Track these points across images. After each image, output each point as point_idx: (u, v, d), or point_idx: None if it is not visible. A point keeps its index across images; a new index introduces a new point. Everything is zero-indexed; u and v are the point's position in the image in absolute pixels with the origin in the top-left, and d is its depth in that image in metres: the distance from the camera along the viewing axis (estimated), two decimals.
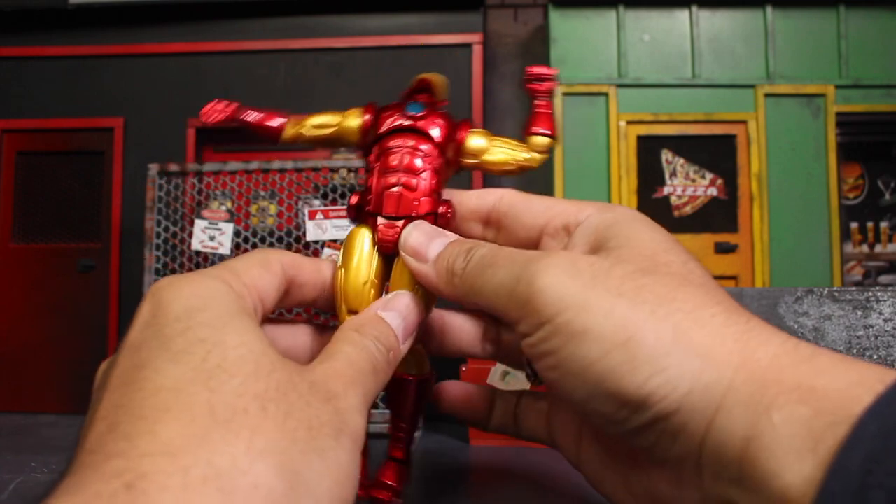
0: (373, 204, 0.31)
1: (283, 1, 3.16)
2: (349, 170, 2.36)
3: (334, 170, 2.34)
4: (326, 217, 2.21)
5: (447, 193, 0.32)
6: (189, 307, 0.23)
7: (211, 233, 2.25)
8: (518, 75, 3.41)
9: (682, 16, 2.99)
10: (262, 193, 2.47)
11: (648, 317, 0.23)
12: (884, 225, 3.10)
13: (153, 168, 2.36)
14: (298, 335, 0.31)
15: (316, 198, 2.35)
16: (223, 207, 2.32)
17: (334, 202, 2.31)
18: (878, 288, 0.97)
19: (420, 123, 0.32)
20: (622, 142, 2.92)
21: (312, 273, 0.30)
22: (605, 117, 2.93)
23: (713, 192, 2.97)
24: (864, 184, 3.12)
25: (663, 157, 2.98)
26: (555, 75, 0.33)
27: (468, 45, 3.14)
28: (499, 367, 1.35)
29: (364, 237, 0.31)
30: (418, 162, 0.31)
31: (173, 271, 2.32)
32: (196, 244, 2.24)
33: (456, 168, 0.34)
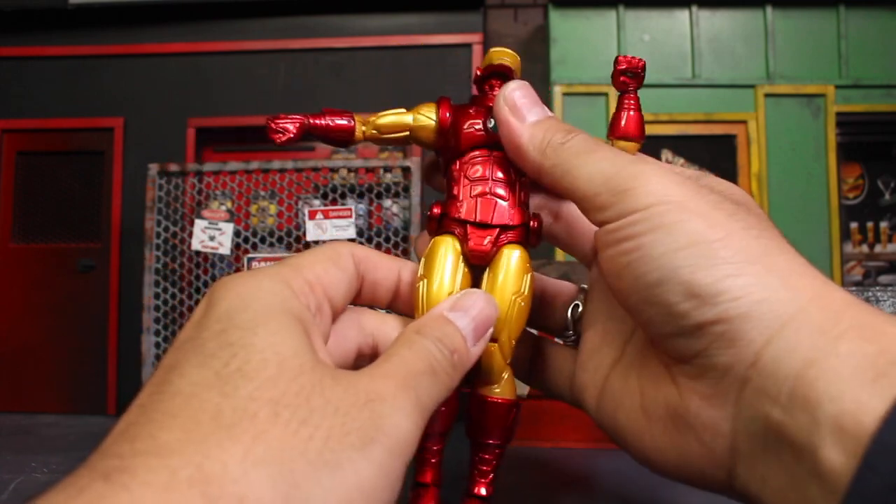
0: (465, 211, 0.29)
1: (283, 1, 3.16)
2: (349, 170, 2.36)
3: (334, 170, 2.34)
4: (326, 217, 2.21)
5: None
6: (230, 308, 0.22)
7: (211, 233, 2.25)
8: (518, 75, 3.40)
9: (682, 16, 2.99)
10: (262, 193, 2.46)
11: (741, 230, 0.24)
12: (884, 225, 3.10)
13: (153, 168, 2.36)
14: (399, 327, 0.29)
15: (316, 198, 2.35)
16: (223, 207, 2.32)
17: (334, 202, 2.31)
18: (878, 288, 0.97)
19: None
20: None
21: (387, 271, 0.28)
22: (605, 117, 2.93)
23: None
24: (864, 184, 3.12)
25: (663, 157, 2.98)
26: (644, 68, 0.32)
27: (468, 45, 3.14)
28: None
29: (449, 246, 0.29)
30: (507, 174, 0.30)
31: (173, 271, 2.32)
32: (196, 244, 2.24)
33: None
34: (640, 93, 0.33)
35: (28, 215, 3.27)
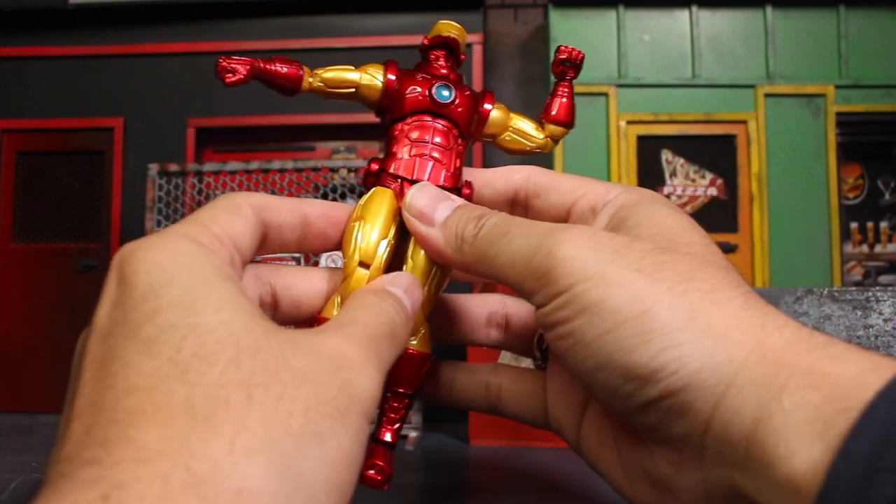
0: (402, 168, 0.31)
1: (283, 1, 3.16)
2: (349, 170, 2.36)
3: (334, 170, 2.35)
4: None
5: (469, 173, 0.32)
6: (154, 282, 0.20)
7: None
8: (518, 75, 3.42)
9: (682, 16, 2.99)
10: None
11: (665, 293, 0.23)
12: (884, 225, 3.10)
13: (153, 168, 2.36)
14: (313, 280, 0.29)
15: (316, 197, 2.35)
16: None
17: (334, 202, 2.31)
18: (878, 288, 0.97)
19: (449, 111, 0.32)
20: (622, 142, 2.92)
21: (289, 212, 0.28)
22: (605, 117, 2.93)
23: (713, 192, 2.97)
24: (864, 184, 3.12)
25: (663, 157, 2.98)
26: (582, 60, 0.34)
27: (468, 45, 3.14)
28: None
29: (388, 196, 0.30)
30: (446, 140, 0.31)
31: None
32: None
33: (473, 141, 0.34)
34: (639, 92, 0.33)
35: (28, 215, 3.27)
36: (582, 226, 0.26)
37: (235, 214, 0.25)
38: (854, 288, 0.92)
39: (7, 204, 3.26)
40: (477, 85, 3.11)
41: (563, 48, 0.33)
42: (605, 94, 2.92)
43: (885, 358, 0.20)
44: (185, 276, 0.21)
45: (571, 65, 0.34)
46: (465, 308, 0.33)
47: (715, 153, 2.96)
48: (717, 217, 2.94)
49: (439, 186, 0.30)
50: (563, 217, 0.30)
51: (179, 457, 0.17)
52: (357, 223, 0.29)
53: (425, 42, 0.34)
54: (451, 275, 0.31)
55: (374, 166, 0.31)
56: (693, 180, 2.98)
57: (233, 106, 3.15)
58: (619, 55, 2.96)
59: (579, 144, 2.91)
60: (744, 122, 2.93)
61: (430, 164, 0.31)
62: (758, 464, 0.20)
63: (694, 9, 2.97)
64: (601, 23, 2.98)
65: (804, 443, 0.19)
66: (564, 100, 0.35)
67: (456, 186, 0.31)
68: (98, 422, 0.18)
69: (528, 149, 0.34)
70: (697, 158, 2.97)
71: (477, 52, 3.13)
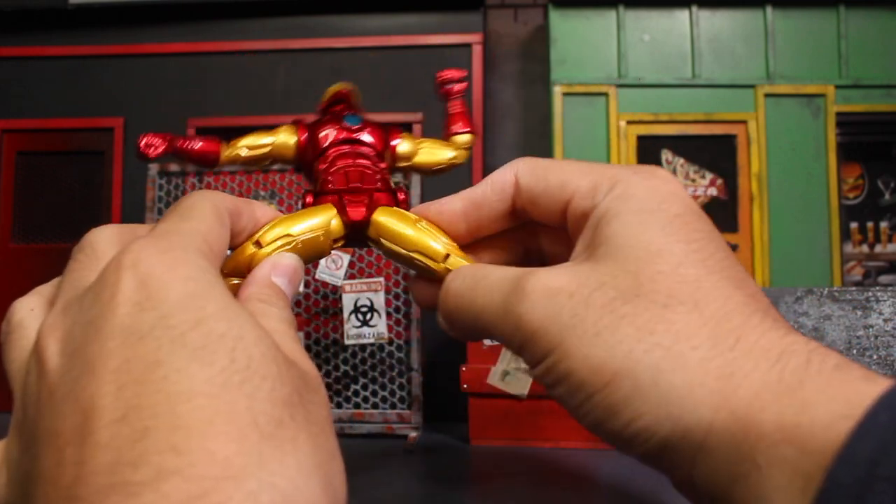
0: (336, 181, 0.32)
1: (283, 1, 3.16)
2: None
3: None
4: None
5: (460, 196, 0.31)
6: (189, 293, 0.20)
7: None
8: (518, 75, 3.42)
9: (682, 16, 2.99)
10: (262, 193, 2.47)
11: (625, 359, 0.22)
12: (884, 225, 3.10)
13: (153, 168, 2.36)
14: None
15: None
16: None
17: None
18: (878, 288, 0.97)
19: (361, 135, 0.34)
20: (622, 142, 2.92)
21: (250, 221, 0.28)
22: (605, 117, 2.93)
23: (713, 192, 2.97)
24: (864, 184, 3.12)
25: (663, 157, 2.98)
26: (465, 77, 0.36)
27: (468, 45, 3.14)
28: (499, 367, 1.35)
29: (327, 211, 0.31)
30: (369, 158, 0.33)
31: None
32: None
33: (391, 169, 0.36)
34: (639, 92, 0.34)
35: (28, 215, 3.27)
36: (542, 282, 0.25)
37: (221, 224, 0.25)
38: (854, 288, 0.92)
39: (7, 204, 3.26)
40: (477, 85, 3.11)
41: (439, 75, 0.37)
42: (605, 94, 2.92)
43: (856, 396, 0.20)
44: (213, 290, 0.21)
45: (452, 83, 0.37)
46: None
47: (715, 153, 2.96)
48: (717, 217, 2.94)
49: (373, 189, 0.31)
50: (562, 219, 0.27)
51: (263, 473, 0.17)
52: (280, 217, 0.30)
53: (321, 106, 0.36)
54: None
55: (309, 199, 0.32)
56: (693, 180, 2.98)
57: (233, 106, 3.15)
58: (619, 55, 2.96)
59: (579, 144, 2.91)
60: (744, 122, 2.92)
61: (361, 169, 0.32)
62: None
63: (694, 9, 2.97)
64: (601, 23, 2.98)
65: (787, 498, 0.19)
66: (458, 111, 0.37)
67: (390, 188, 0.32)
68: (156, 426, 0.18)
69: (444, 166, 0.38)
70: (697, 158, 2.97)
71: (477, 52, 3.13)
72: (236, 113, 3.14)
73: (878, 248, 3.09)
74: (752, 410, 0.20)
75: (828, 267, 2.86)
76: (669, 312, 0.23)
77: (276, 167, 2.33)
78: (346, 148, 0.33)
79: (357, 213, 0.31)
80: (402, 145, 0.35)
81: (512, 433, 2.29)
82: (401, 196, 0.32)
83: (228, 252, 0.27)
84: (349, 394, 2.53)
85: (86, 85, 3.24)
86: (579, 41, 2.97)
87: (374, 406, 2.50)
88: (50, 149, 3.27)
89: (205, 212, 0.25)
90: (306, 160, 0.35)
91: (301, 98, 3.08)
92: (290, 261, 0.28)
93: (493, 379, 2.29)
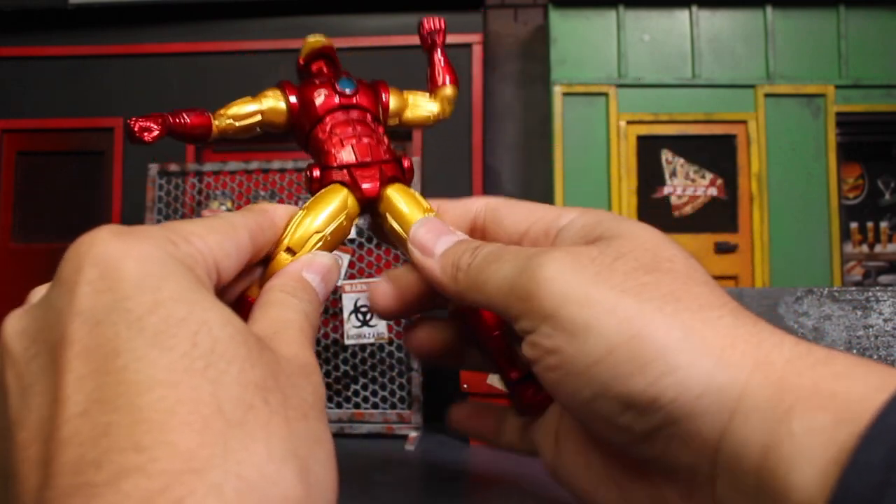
0: (345, 156, 0.31)
1: (283, 1, 3.16)
2: None
3: None
4: None
5: (433, 203, 0.32)
6: (147, 273, 0.19)
7: None
8: (518, 75, 3.42)
9: (682, 16, 2.99)
10: (262, 193, 2.47)
11: (655, 313, 0.21)
12: (884, 225, 3.10)
13: (153, 168, 2.36)
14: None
15: None
16: (223, 207, 2.32)
17: None
18: (878, 288, 0.97)
19: (357, 99, 0.33)
20: (622, 142, 2.92)
21: (271, 231, 0.28)
22: (605, 117, 2.93)
23: (713, 192, 2.97)
24: (864, 184, 3.12)
25: (663, 157, 2.98)
26: (445, 24, 0.35)
27: (468, 45, 3.14)
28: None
29: (340, 193, 0.31)
30: (368, 125, 0.32)
31: None
32: None
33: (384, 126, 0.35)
34: (639, 92, 0.34)
35: (28, 215, 3.27)
36: (566, 247, 0.25)
37: (226, 237, 0.24)
38: (854, 288, 0.92)
39: (7, 204, 3.26)
40: (477, 85, 3.11)
41: (423, 22, 0.35)
42: (605, 94, 2.92)
43: (887, 370, 0.19)
44: (177, 272, 0.20)
45: (436, 32, 0.35)
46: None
47: (715, 153, 2.96)
48: (717, 217, 2.94)
49: (381, 161, 0.31)
50: (518, 242, 0.29)
51: (228, 464, 0.17)
52: (301, 212, 0.30)
53: (301, 62, 0.35)
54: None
55: (316, 172, 0.32)
56: (693, 180, 2.98)
57: None
58: (619, 55, 2.96)
59: (579, 144, 2.91)
60: (744, 122, 2.92)
61: (367, 141, 0.32)
62: (772, 493, 0.19)
63: (694, 9, 2.97)
64: (601, 23, 2.98)
65: (819, 469, 0.18)
66: (442, 63, 0.36)
67: (396, 157, 0.32)
68: (118, 421, 0.17)
69: (430, 119, 0.36)
70: (697, 158, 2.97)
71: (477, 52, 3.13)
72: None
73: (878, 248, 3.09)
74: (787, 374, 0.20)
75: (828, 267, 2.86)
76: (692, 285, 0.23)
77: (275, 166, 2.32)
78: (341, 116, 0.32)
79: (372, 189, 0.31)
80: (392, 101, 0.35)
81: None
82: (406, 164, 0.32)
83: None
84: (349, 394, 2.53)
85: (86, 85, 3.24)
86: (579, 41, 2.97)
87: (374, 406, 2.50)
88: (50, 149, 3.27)
89: (209, 221, 0.24)
90: (300, 127, 0.33)
91: None
92: (325, 259, 0.28)
93: (493, 379, 2.29)
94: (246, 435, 0.17)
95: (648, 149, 2.96)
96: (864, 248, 3.09)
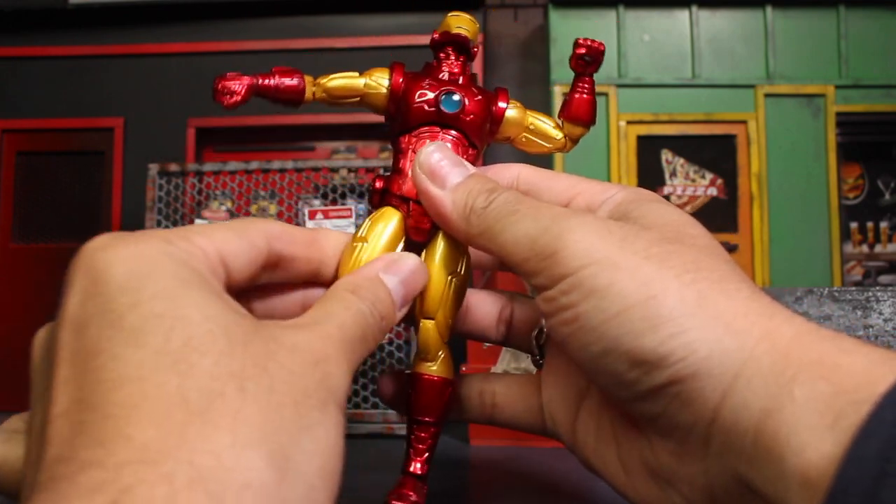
0: (406, 188, 0.30)
1: (283, 1, 3.16)
2: (349, 170, 2.36)
3: (334, 170, 2.34)
4: (326, 217, 2.21)
5: None
6: (132, 274, 0.20)
7: None
8: (518, 75, 3.41)
9: (682, 16, 2.99)
10: (262, 193, 2.46)
11: (673, 279, 0.23)
12: (884, 225, 3.10)
13: (153, 168, 2.35)
14: (292, 296, 0.29)
15: (316, 198, 2.34)
16: (223, 207, 2.32)
17: (334, 202, 2.31)
18: (878, 288, 0.97)
19: (458, 121, 0.30)
20: (622, 142, 2.92)
21: (305, 246, 0.28)
22: (605, 117, 2.93)
23: (713, 192, 2.97)
24: (864, 184, 3.12)
25: (663, 157, 2.98)
26: (604, 52, 0.32)
27: None
28: (499, 367, 1.36)
29: (394, 217, 0.30)
30: (456, 152, 0.30)
31: None
32: None
33: (487, 144, 0.32)
34: (639, 92, 0.33)
35: (28, 215, 3.26)
36: (593, 214, 0.26)
37: (236, 235, 0.24)
38: (854, 288, 0.92)
39: (7, 204, 3.26)
40: None
41: (580, 41, 0.32)
42: (605, 94, 2.91)
43: (891, 352, 0.20)
44: (164, 270, 0.20)
45: (592, 59, 0.32)
46: (477, 303, 0.33)
47: (715, 153, 2.96)
48: (717, 217, 2.94)
49: None
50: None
51: (181, 453, 0.17)
52: (358, 244, 0.29)
53: (434, 37, 0.33)
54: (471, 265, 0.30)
55: (379, 184, 0.30)
56: (693, 180, 2.98)
57: None
58: (619, 55, 2.95)
59: (579, 144, 2.90)
60: (744, 122, 2.92)
61: None
62: (767, 455, 0.20)
63: (694, 9, 2.97)
64: (601, 23, 2.98)
65: (816, 435, 0.19)
66: (585, 96, 0.33)
67: None
68: (90, 419, 0.17)
69: (546, 150, 0.33)
70: (697, 158, 2.97)
71: (477, 52, 3.13)
72: (237, 113, 3.13)
73: (878, 248, 3.09)
74: (793, 346, 0.21)
75: (828, 267, 2.86)
76: (714, 260, 0.24)
77: (275, 166, 2.32)
78: (434, 132, 0.30)
79: (419, 234, 0.29)
80: (508, 119, 0.32)
81: (512, 433, 2.28)
82: None
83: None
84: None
85: (86, 85, 3.24)
86: None
87: (374, 406, 2.50)
88: (50, 149, 3.27)
89: (223, 223, 0.24)
90: (392, 120, 0.32)
91: None
92: (409, 261, 0.27)
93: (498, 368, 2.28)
94: (206, 423, 0.17)
95: (648, 149, 2.96)
96: (864, 248, 3.09)
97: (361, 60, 3.54)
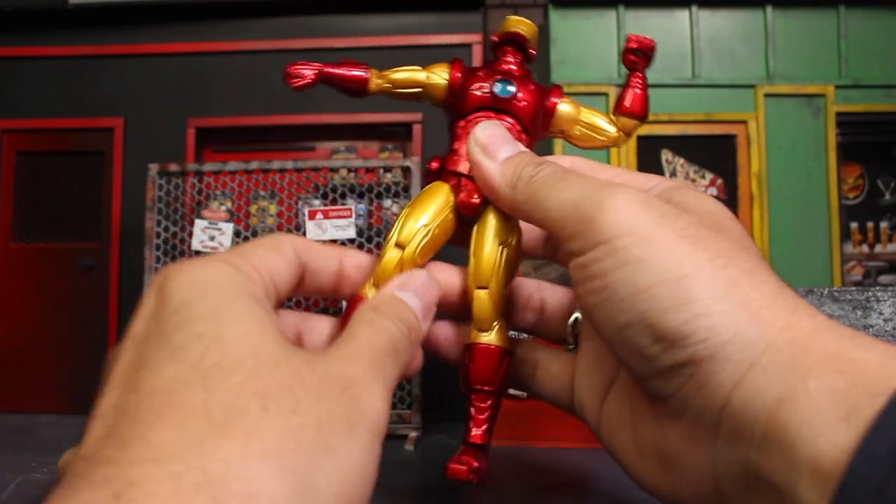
0: (462, 165, 0.30)
1: (283, 1, 3.16)
2: (349, 170, 2.36)
3: (334, 170, 2.34)
4: (326, 217, 2.21)
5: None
6: (187, 298, 0.21)
7: (211, 233, 2.25)
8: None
9: (682, 16, 2.99)
10: (262, 193, 2.46)
11: (706, 262, 0.23)
12: (884, 225, 3.10)
13: (153, 168, 2.36)
14: (325, 323, 0.30)
15: (316, 198, 2.35)
16: (223, 207, 2.32)
17: (334, 202, 2.31)
18: (878, 288, 0.97)
19: (511, 106, 0.31)
20: None
21: (327, 259, 0.29)
22: None
23: (713, 192, 2.97)
24: (864, 184, 3.12)
25: (663, 158, 2.98)
26: (654, 48, 0.32)
27: (468, 45, 3.14)
28: None
29: (444, 190, 0.30)
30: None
31: None
32: (196, 244, 2.24)
33: (541, 137, 0.33)
34: None
35: (28, 215, 3.26)
36: (636, 188, 0.26)
37: (275, 252, 0.26)
38: (854, 288, 0.92)
39: (7, 204, 3.26)
40: None
41: (632, 37, 0.33)
42: (605, 95, 2.91)
43: None
44: (215, 291, 0.22)
45: (642, 54, 0.33)
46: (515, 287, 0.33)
47: (715, 153, 2.96)
48: None
49: None
50: None
51: (193, 458, 0.17)
52: (406, 210, 0.30)
53: (494, 39, 0.35)
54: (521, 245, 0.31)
55: (434, 165, 0.31)
56: (693, 180, 2.98)
57: (233, 106, 3.15)
58: (619, 55, 2.95)
59: None
60: (744, 122, 2.92)
61: None
62: (778, 443, 0.20)
63: (694, 9, 2.97)
64: (601, 23, 2.98)
65: (829, 426, 0.19)
66: (638, 91, 0.34)
67: None
68: (120, 423, 0.19)
69: (599, 144, 0.34)
70: (697, 158, 2.97)
71: (477, 52, 3.13)
72: (237, 113, 3.14)
73: (878, 248, 3.09)
74: (812, 340, 0.21)
75: (828, 267, 2.86)
76: (747, 251, 0.25)
77: (275, 166, 2.32)
78: (489, 116, 0.31)
79: (468, 209, 0.30)
80: (561, 112, 0.32)
81: (512, 433, 2.29)
82: None
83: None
84: None
85: (86, 85, 3.24)
86: (579, 41, 2.97)
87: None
88: (50, 149, 3.27)
89: (257, 241, 0.26)
90: (451, 110, 0.33)
91: (302, 98, 3.08)
92: (419, 276, 0.28)
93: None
94: (223, 435, 0.18)
95: (648, 149, 2.96)
96: (864, 248, 3.09)
97: (361, 60, 3.52)
